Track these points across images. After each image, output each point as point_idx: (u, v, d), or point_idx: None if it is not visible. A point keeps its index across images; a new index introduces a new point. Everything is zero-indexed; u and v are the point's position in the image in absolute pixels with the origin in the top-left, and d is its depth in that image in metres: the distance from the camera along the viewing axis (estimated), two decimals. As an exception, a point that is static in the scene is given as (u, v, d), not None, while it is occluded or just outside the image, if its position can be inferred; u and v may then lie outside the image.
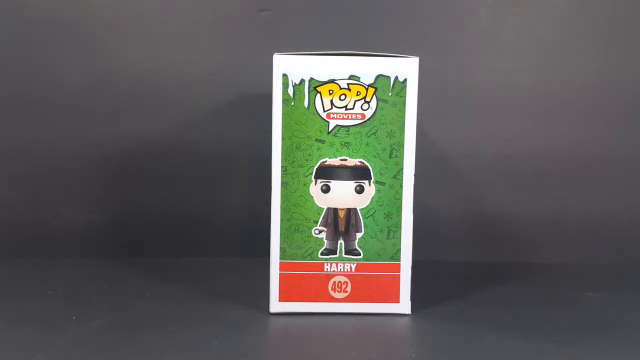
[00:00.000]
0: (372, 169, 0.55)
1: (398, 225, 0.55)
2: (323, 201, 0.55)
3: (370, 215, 0.55)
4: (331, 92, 0.54)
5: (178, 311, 0.56)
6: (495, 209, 0.72)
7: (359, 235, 0.55)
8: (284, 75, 0.54)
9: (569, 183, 0.72)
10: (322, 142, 0.54)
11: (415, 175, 0.55)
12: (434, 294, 0.60)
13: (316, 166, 0.55)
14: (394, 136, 0.54)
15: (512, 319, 0.56)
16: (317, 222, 0.55)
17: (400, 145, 0.54)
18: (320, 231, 0.55)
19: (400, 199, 0.55)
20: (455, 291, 0.61)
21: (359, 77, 0.54)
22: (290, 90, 0.54)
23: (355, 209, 0.55)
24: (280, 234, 0.55)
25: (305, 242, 0.55)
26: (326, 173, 0.55)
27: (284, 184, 0.55)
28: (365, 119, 0.54)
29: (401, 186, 0.55)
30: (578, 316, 0.57)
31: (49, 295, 0.60)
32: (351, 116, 0.54)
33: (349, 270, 0.56)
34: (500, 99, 0.72)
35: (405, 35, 0.71)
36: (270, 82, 0.54)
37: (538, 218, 0.72)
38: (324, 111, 0.54)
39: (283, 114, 0.54)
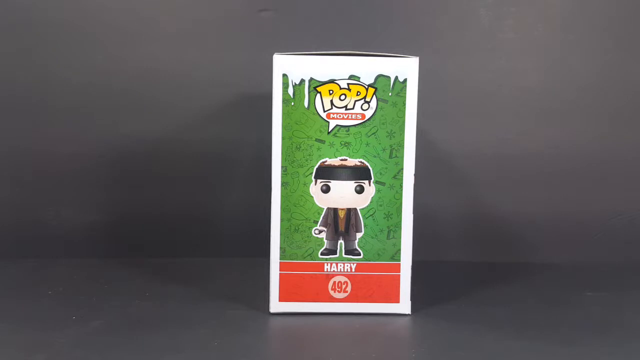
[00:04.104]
0: (372, 169, 0.55)
1: (398, 225, 0.55)
2: (323, 201, 0.55)
3: (370, 215, 0.55)
4: (331, 92, 0.54)
5: (178, 311, 0.56)
6: (495, 209, 0.72)
7: (359, 235, 0.55)
8: (284, 75, 0.54)
9: (569, 183, 0.72)
10: (322, 142, 0.54)
11: (415, 175, 0.55)
12: (434, 294, 0.60)
13: (316, 166, 0.55)
14: (394, 136, 0.54)
15: (512, 319, 0.56)
16: (317, 222, 0.55)
17: (400, 145, 0.54)
18: (320, 231, 0.55)
19: (400, 199, 0.55)
20: (455, 291, 0.61)
21: (359, 77, 0.54)
22: (290, 90, 0.54)
23: (355, 209, 0.55)
24: (280, 234, 0.55)
25: (305, 242, 0.55)
26: (326, 173, 0.55)
27: (284, 184, 0.55)
28: (365, 119, 0.54)
29: (401, 186, 0.55)
30: (578, 316, 0.57)
31: (49, 295, 0.60)
32: (351, 116, 0.54)
33: (349, 270, 0.56)
34: (500, 99, 0.72)
35: (405, 35, 0.71)
36: (270, 82, 0.54)
37: (538, 218, 0.72)
38: (324, 111, 0.54)
39: (283, 114, 0.54)
